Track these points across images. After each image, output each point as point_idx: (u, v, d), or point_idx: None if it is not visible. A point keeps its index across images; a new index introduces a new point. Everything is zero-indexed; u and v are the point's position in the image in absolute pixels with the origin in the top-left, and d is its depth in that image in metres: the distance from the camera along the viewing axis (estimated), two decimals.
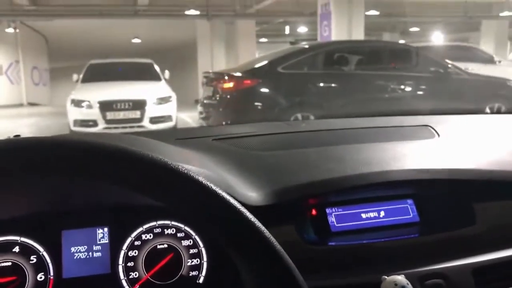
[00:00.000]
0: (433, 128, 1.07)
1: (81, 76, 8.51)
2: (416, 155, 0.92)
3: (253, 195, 0.77)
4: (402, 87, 5.54)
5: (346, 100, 5.10)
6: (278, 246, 0.41)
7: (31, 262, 0.77)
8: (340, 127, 1.11)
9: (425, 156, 0.93)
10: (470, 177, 0.86)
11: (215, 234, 0.40)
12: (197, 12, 12.42)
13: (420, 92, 5.58)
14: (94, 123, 7.38)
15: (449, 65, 5.75)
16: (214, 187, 0.40)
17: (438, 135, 1.04)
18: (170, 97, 7.83)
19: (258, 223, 0.41)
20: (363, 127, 1.11)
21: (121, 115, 7.44)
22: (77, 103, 7.50)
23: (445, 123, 1.12)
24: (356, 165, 0.86)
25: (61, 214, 0.81)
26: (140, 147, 0.84)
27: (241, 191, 0.77)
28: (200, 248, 0.83)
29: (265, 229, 0.41)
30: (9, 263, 0.77)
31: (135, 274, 0.80)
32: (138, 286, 0.79)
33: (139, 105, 7.46)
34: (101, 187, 0.77)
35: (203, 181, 0.40)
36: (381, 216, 0.86)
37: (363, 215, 0.86)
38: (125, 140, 0.89)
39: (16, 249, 0.77)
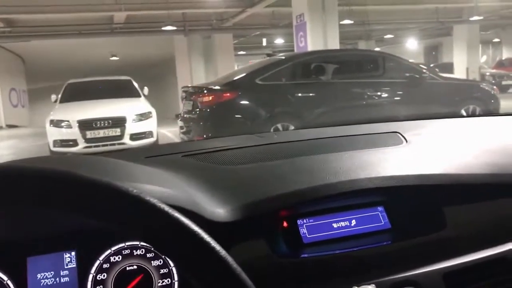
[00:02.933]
0: (401, 135, 1.08)
1: (59, 96, 8.43)
2: (384, 163, 0.93)
3: (221, 211, 0.76)
4: (379, 93, 5.62)
5: (324, 108, 5.15)
6: (234, 265, 0.40)
7: None
8: (310, 137, 1.11)
9: (393, 163, 0.94)
10: (438, 182, 0.87)
11: (167, 255, 0.39)
12: (174, 28, 12.44)
13: (397, 98, 5.66)
14: (74, 143, 7.30)
15: (424, 70, 5.85)
16: (163, 207, 0.40)
17: (407, 141, 1.05)
18: (150, 112, 7.80)
19: (212, 243, 0.40)
20: (333, 136, 1.11)
21: (101, 133, 7.38)
22: (56, 123, 7.42)
23: (414, 129, 1.13)
24: (324, 175, 0.86)
25: (26, 241, 0.79)
26: (103, 169, 0.82)
27: (209, 208, 0.76)
28: (170, 268, 0.81)
29: (220, 248, 0.40)
30: None
31: None
32: None
33: (118, 122, 7.41)
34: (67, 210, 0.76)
35: (151, 200, 0.39)
36: (352, 224, 0.86)
37: (335, 225, 0.85)
38: (89, 162, 0.87)
39: None
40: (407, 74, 5.67)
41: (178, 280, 0.81)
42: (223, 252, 0.41)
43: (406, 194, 0.88)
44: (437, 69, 6.42)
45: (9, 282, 0.76)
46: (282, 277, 0.76)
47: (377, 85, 5.59)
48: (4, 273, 0.76)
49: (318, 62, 5.64)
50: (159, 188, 0.74)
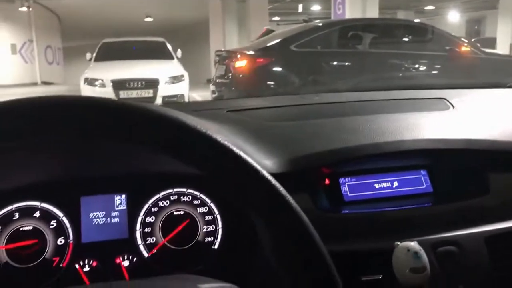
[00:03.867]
0: (448, 101, 1.06)
1: (94, 54, 8.52)
2: (430, 126, 0.92)
3: (268, 163, 0.78)
4: (417, 65, 5.46)
5: (360, 78, 5.05)
6: (298, 208, 0.42)
7: (51, 226, 0.80)
8: (354, 100, 1.11)
9: (440, 126, 0.93)
10: (485, 147, 0.86)
11: (237, 195, 0.41)
12: None
13: (435, 71, 5.50)
14: None
15: (465, 44, 5.65)
16: (236, 150, 0.41)
17: (453, 107, 1.04)
18: (182, 76, 7.83)
19: (279, 186, 0.41)
20: (377, 99, 1.11)
21: (134, 94, 7.46)
22: (91, 82, 7.54)
23: (460, 96, 1.11)
24: (369, 135, 0.87)
25: (80, 181, 0.83)
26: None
27: (257, 159, 0.78)
28: (215, 215, 0.84)
29: (286, 192, 0.42)
30: (30, 227, 0.79)
31: (152, 240, 0.82)
32: (155, 250, 0.81)
33: (152, 84, 7.47)
34: (121, 154, 0.79)
35: (226, 143, 0.41)
36: (394, 186, 0.87)
37: (376, 185, 0.86)
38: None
39: (37, 214, 0.80)
40: (447, 48, 5.49)
41: (222, 227, 0.84)
42: (288, 195, 0.42)
43: (450, 158, 0.88)
44: (478, 44, 6.17)
45: (64, 219, 0.80)
46: (323, 231, 0.78)
47: (415, 57, 5.43)
48: (60, 210, 0.81)
49: (355, 31, 5.50)
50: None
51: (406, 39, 5.80)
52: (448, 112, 1.02)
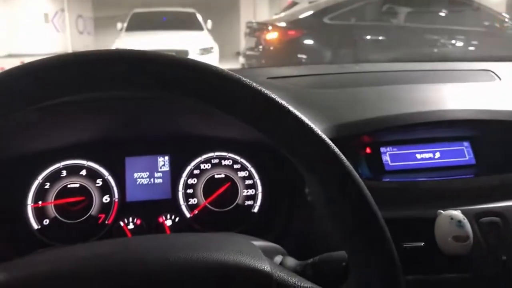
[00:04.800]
0: (494, 73, 1.03)
1: (125, 24, 8.56)
2: (475, 96, 0.90)
3: None
4: (453, 41, 5.29)
5: (394, 54, 4.93)
6: (353, 169, 0.42)
7: (97, 185, 0.83)
8: (395, 70, 1.09)
9: (485, 97, 0.91)
10: None
11: (293, 147, 0.41)
12: None
13: (472, 48, 5.32)
14: None
15: (506, 20, 5.43)
16: (290, 107, 0.41)
17: (500, 78, 1.01)
18: (212, 48, 7.80)
19: (334, 146, 0.42)
20: (418, 70, 1.08)
21: None
22: None
23: (507, 68, 1.08)
24: (412, 104, 0.85)
25: (125, 142, 0.85)
26: None
27: None
28: (255, 180, 0.86)
29: (340, 152, 0.42)
30: (77, 185, 0.82)
31: (194, 201, 0.84)
32: (197, 211, 0.84)
33: (181, 55, 7.46)
34: (163, 117, 0.81)
35: (284, 102, 0.41)
36: (436, 157, 0.86)
37: (418, 156, 0.86)
38: None
39: (83, 172, 0.82)
40: (487, 23, 5.29)
41: (262, 191, 0.85)
42: (336, 148, 0.42)
43: (494, 129, 0.86)
44: None
45: (110, 178, 0.83)
46: None
47: (452, 33, 5.26)
48: (105, 169, 0.83)
49: (391, 4, 5.34)
50: None
51: (443, 14, 5.61)
52: (494, 84, 0.99)
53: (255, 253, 0.45)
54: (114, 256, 0.44)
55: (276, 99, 0.41)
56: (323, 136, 0.42)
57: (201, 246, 0.45)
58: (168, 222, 0.82)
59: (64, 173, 0.82)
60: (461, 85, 0.96)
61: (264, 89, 0.41)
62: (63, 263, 0.42)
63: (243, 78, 0.41)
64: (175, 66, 0.40)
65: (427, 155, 0.86)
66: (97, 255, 0.45)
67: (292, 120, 0.41)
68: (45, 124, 0.76)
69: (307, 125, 0.42)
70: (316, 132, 0.42)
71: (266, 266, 0.43)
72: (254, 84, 0.41)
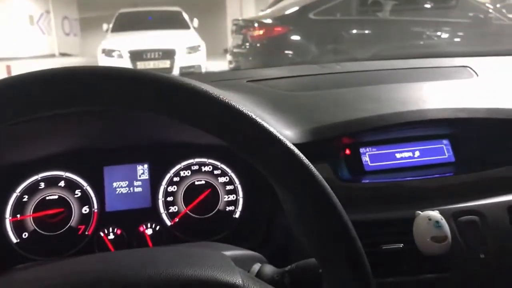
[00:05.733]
0: (472, 69, 1.04)
1: (111, 25, 8.51)
2: (453, 95, 0.91)
3: (289, 133, 0.78)
4: (439, 33, 5.32)
5: (381, 47, 4.94)
6: (321, 177, 0.42)
7: (76, 196, 0.82)
8: (375, 69, 1.09)
9: (463, 95, 0.91)
10: (509, 116, 0.84)
11: (258, 164, 0.41)
12: None
13: (458, 39, 5.35)
14: None
15: (490, 10, 5.46)
16: (256, 117, 0.41)
17: (477, 75, 1.01)
18: (199, 46, 7.77)
19: (301, 154, 0.41)
20: (400, 68, 1.09)
21: (151, 64, 7.46)
22: (108, 53, 7.54)
23: (485, 64, 1.08)
24: (391, 104, 0.85)
25: (103, 151, 0.84)
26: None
27: (277, 128, 0.78)
28: (236, 185, 0.85)
29: (308, 161, 0.41)
30: (56, 197, 0.81)
31: (175, 208, 0.84)
32: (177, 219, 0.83)
33: (168, 54, 7.44)
34: (141, 125, 0.80)
35: (247, 111, 0.41)
36: (415, 156, 0.86)
37: (398, 155, 0.86)
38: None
39: (62, 183, 0.82)
40: (471, 14, 5.32)
41: (243, 197, 0.85)
42: (310, 164, 0.42)
43: (473, 127, 0.86)
44: (504, 10, 5.95)
45: (89, 188, 0.82)
46: (343, 199, 0.78)
47: (438, 25, 5.27)
48: (84, 179, 0.82)
49: None
50: None
51: (428, 6, 5.63)
52: (472, 81, 0.99)
53: (227, 267, 0.45)
54: (87, 274, 0.44)
55: (236, 106, 0.40)
56: (286, 141, 0.41)
57: (174, 262, 0.44)
58: (149, 231, 0.82)
59: (42, 185, 0.81)
60: (440, 83, 0.96)
61: (225, 99, 0.40)
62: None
63: (205, 89, 0.40)
64: (137, 81, 0.39)
65: (406, 154, 0.86)
66: (70, 272, 0.44)
67: (256, 130, 0.41)
68: (20, 136, 0.75)
69: (271, 132, 0.41)
70: (278, 137, 0.41)
71: (237, 280, 0.43)
72: (215, 94, 0.41)
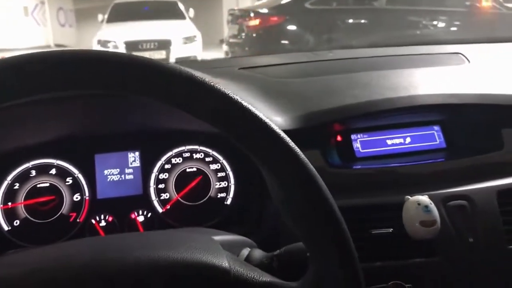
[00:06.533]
0: (464, 55, 1.04)
1: (106, 16, 8.45)
2: (445, 81, 0.91)
3: (278, 119, 0.78)
4: (435, 22, 5.30)
5: (377, 36, 4.92)
6: (309, 163, 0.42)
7: (67, 183, 0.82)
8: (367, 55, 1.09)
9: (454, 81, 0.91)
10: (500, 102, 0.85)
11: (248, 150, 0.41)
12: None
13: (454, 28, 5.34)
14: None
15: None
16: (246, 105, 0.41)
17: (469, 61, 1.01)
18: (195, 36, 7.73)
19: (289, 140, 0.41)
20: (391, 55, 1.08)
21: (146, 55, 7.37)
22: (104, 44, 7.50)
23: (477, 51, 1.08)
24: (382, 90, 0.85)
25: (94, 139, 0.84)
26: None
27: (268, 115, 0.78)
28: (227, 172, 0.85)
29: (296, 147, 0.42)
30: (47, 184, 0.81)
31: (166, 195, 0.84)
32: (169, 206, 0.83)
33: (164, 45, 7.40)
34: (132, 112, 0.80)
35: (234, 96, 0.41)
36: (406, 142, 0.86)
37: (389, 141, 0.86)
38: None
39: (53, 171, 0.82)
40: (467, 3, 5.30)
41: (234, 184, 0.85)
42: (292, 143, 0.42)
43: (464, 113, 0.86)
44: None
45: (80, 176, 0.82)
46: (334, 185, 0.78)
47: (434, 14, 5.26)
48: (75, 167, 0.82)
49: None
50: None
51: None
52: (463, 67, 0.99)
53: (213, 250, 0.45)
54: (74, 257, 0.44)
55: (225, 92, 0.40)
56: (272, 124, 0.41)
57: (161, 245, 0.45)
58: (140, 218, 0.82)
59: (33, 172, 0.81)
60: (432, 69, 0.96)
61: (213, 84, 0.40)
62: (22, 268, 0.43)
63: (195, 75, 0.41)
64: (125, 65, 0.39)
65: (397, 141, 0.86)
66: (57, 257, 0.45)
67: (246, 116, 0.41)
68: (10, 124, 0.75)
69: (261, 119, 0.41)
70: (265, 122, 0.41)
71: (224, 262, 0.43)
72: (207, 80, 0.41)
